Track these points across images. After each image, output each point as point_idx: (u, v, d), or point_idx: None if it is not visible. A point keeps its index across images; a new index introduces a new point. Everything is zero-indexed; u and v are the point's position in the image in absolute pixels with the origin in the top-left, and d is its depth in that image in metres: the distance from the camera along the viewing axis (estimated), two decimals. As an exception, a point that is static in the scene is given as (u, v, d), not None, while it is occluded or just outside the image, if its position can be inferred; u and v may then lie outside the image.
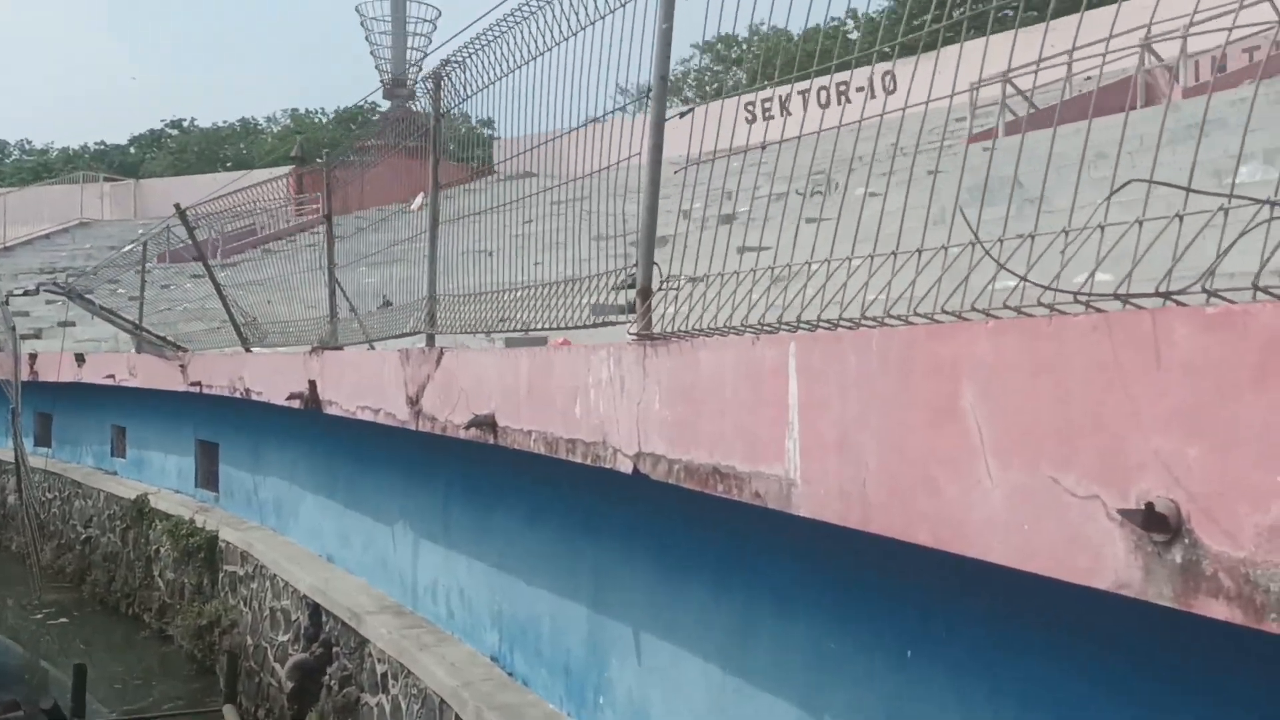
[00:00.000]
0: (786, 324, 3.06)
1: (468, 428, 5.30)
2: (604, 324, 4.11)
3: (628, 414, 3.85)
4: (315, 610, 9.31)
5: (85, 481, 17.03)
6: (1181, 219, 2.04)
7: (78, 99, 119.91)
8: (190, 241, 10.66)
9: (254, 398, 10.43)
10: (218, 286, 10.63)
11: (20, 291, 16.18)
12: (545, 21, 5.31)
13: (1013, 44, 4.83)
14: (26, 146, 77.32)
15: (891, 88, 5.65)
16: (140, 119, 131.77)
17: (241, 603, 11.45)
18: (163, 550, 13.99)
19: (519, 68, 5.53)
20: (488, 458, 6.76)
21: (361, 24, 39.15)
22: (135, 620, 14.61)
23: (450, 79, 6.34)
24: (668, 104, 4.02)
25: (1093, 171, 10.10)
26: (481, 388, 5.35)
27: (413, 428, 6.34)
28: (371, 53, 39.32)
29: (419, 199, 7.01)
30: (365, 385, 7.29)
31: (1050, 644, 3.00)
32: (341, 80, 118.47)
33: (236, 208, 13.68)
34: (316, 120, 68.53)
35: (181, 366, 12.80)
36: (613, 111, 4.96)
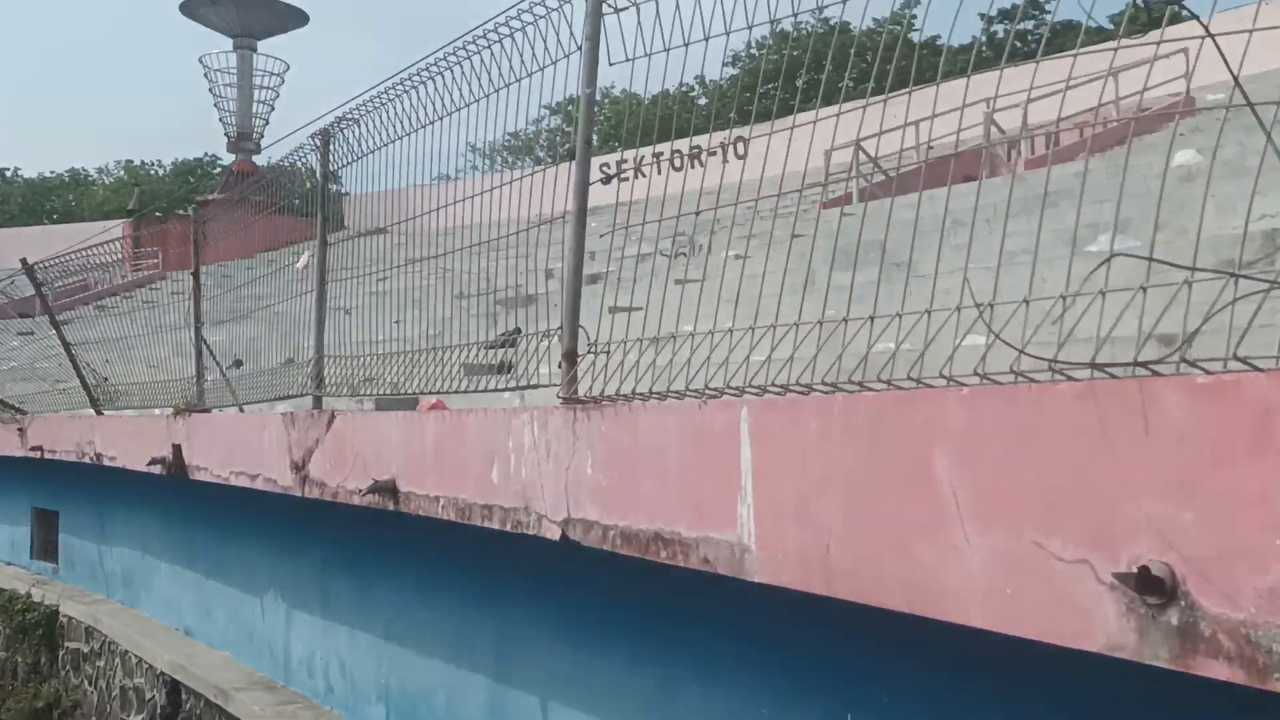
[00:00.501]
0: (733, 389, 3.07)
1: (366, 494, 5.12)
2: (532, 386, 4.04)
3: (555, 479, 3.79)
4: (174, 687, 8.77)
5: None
6: (1145, 290, 2.14)
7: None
8: (37, 295, 10.05)
9: (106, 463, 9.87)
10: (67, 346, 10.06)
11: None
12: (442, 86, 5.29)
13: (863, 113, 5.02)
14: None
15: (742, 153, 5.82)
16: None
17: (86, 682, 10.71)
18: (-9, 628, 13.00)
19: (418, 130, 5.46)
20: (370, 527, 6.56)
21: (205, 75, 38.18)
22: (-42, 705, 13.49)
23: (341, 137, 6.21)
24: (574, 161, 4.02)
25: (952, 238, 10.58)
26: (380, 453, 5.19)
27: (297, 494, 6.09)
28: (216, 105, 38.32)
29: (305, 256, 6.81)
30: (240, 449, 6.98)
31: (1001, 699, 3.07)
32: (177, 131, 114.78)
33: (84, 260, 12.94)
34: (152, 172, 66.16)
35: (20, 430, 12.02)
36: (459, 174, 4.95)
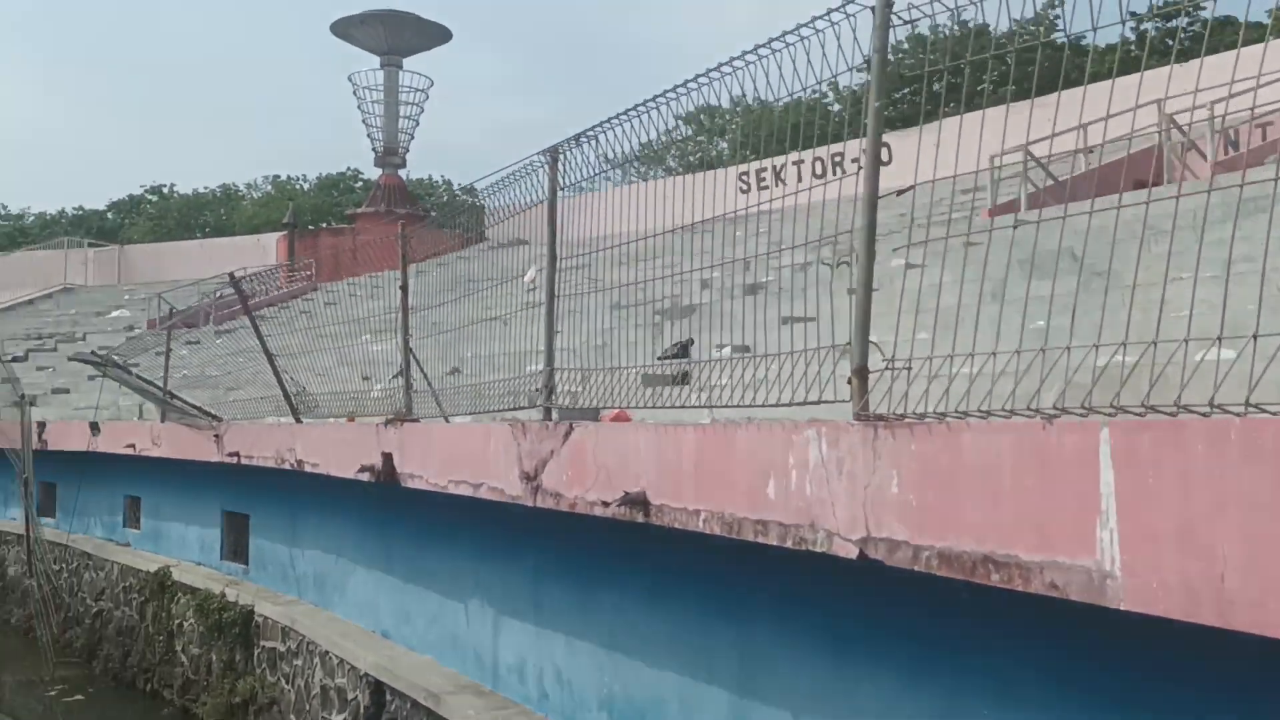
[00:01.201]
0: (1076, 410, 2.99)
1: (617, 506, 5.17)
2: (819, 402, 4.01)
3: (849, 497, 3.76)
4: (377, 689, 9.04)
5: (96, 553, 16.61)
6: None
7: (55, 165, 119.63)
8: (242, 306, 10.46)
9: (307, 470, 10.23)
10: (269, 356, 10.46)
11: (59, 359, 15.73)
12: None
13: (1029, 116, 4.87)
14: (2, 211, 76.81)
15: (887, 160, 5.70)
16: (119, 184, 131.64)
17: (283, 680, 11.12)
18: (186, 625, 13.61)
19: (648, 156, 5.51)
20: (596, 536, 6.64)
21: (354, 93, 39.43)
22: (154, 697, 14.15)
23: (568, 155, 6.31)
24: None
25: (1153, 246, 10.21)
26: (627, 464, 5.23)
27: (528, 504, 6.19)
28: (364, 121, 39.56)
29: (532, 271, 6.93)
30: (461, 459, 7.14)
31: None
32: (321, 146, 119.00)
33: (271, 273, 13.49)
34: (297, 186, 68.55)
35: (216, 436, 12.57)
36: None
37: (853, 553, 3.74)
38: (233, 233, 55.67)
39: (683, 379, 6.05)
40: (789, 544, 4.09)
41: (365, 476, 8.73)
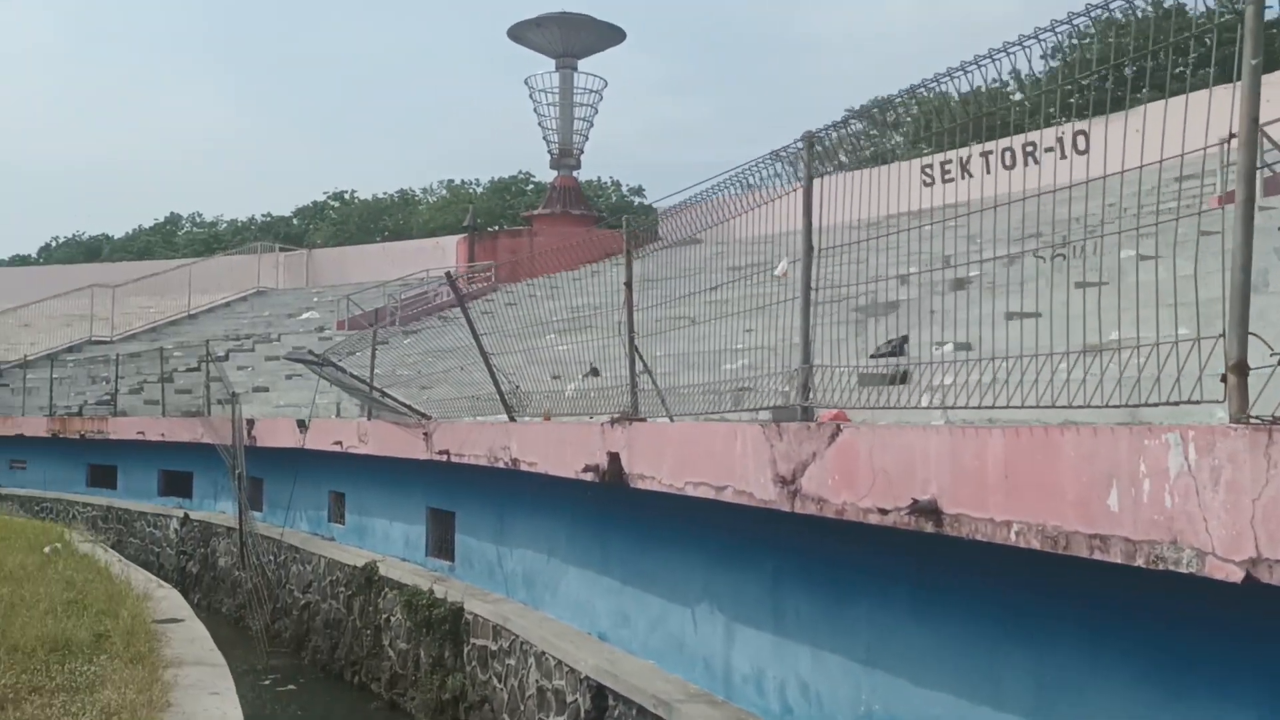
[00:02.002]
0: None
1: (905, 514, 4.78)
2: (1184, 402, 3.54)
3: (1229, 512, 3.28)
4: (599, 693, 8.86)
5: (303, 547, 17.13)
6: None
7: (244, 175, 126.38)
8: (459, 304, 10.45)
9: (523, 468, 10.17)
10: (485, 355, 10.45)
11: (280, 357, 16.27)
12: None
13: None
14: (197, 219, 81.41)
15: (1084, 148, 5.15)
16: (304, 191, 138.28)
17: (495, 679, 11.12)
18: (393, 619, 13.85)
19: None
20: (833, 543, 6.27)
21: (530, 96, 39.97)
22: (362, 690, 14.47)
23: (826, 143, 5.96)
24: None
25: None
26: (912, 469, 4.84)
27: (784, 510, 5.86)
28: (539, 124, 40.07)
29: (783, 264, 6.61)
30: (701, 460, 6.86)
31: None
32: (495, 150, 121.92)
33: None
34: (471, 190, 70.26)
35: (425, 435, 12.71)
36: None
37: (1235, 576, 3.26)
38: (410, 236, 57.40)
39: (901, 379, 5.64)
40: (1139, 562, 3.63)
41: (589, 476, 8.57)
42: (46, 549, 14.23)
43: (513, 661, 10.72)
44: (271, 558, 18.16)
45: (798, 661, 6.88)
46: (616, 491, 8.60)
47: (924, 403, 5.20)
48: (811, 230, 5.96)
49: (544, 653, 9.92)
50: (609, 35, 39.80)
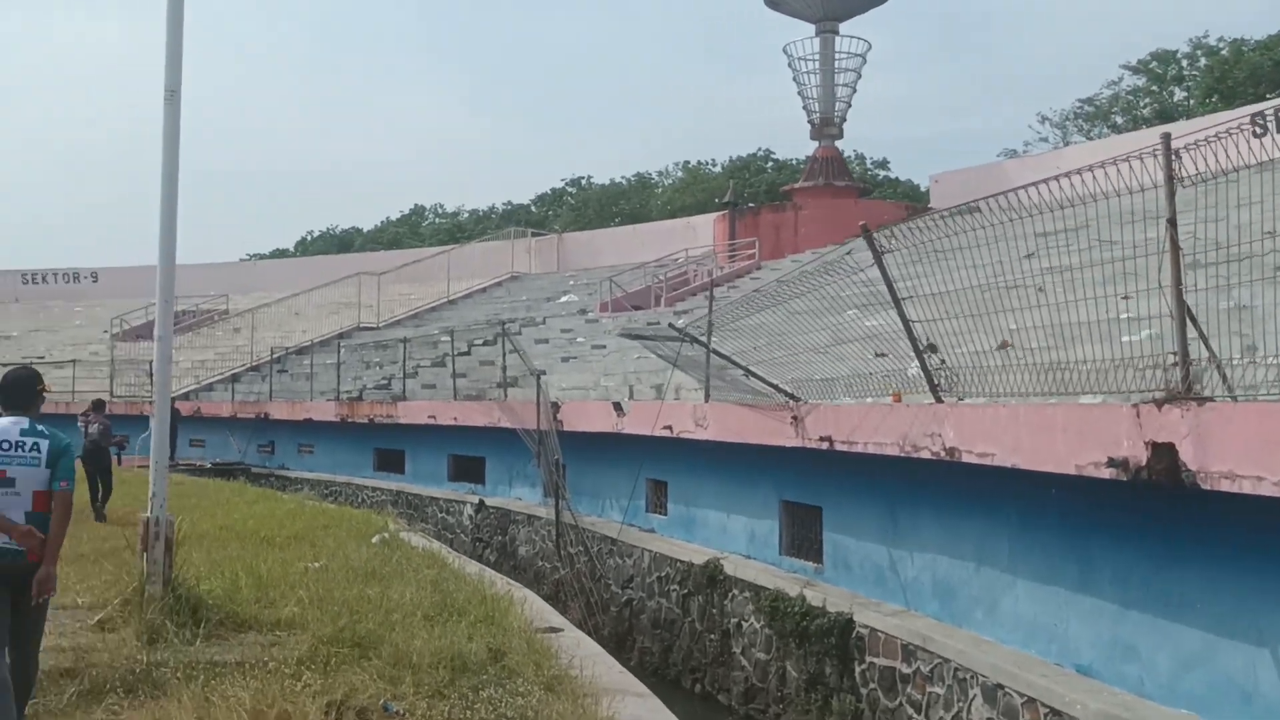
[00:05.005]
0: None
1: None
2: None
3: None
4: (1107, 747, 6.97)
5: (620, 539, 15.92)
6: None
7: (484, 166, 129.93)
8: (880, 270, 8.69)
9: (964, 459, 8.37)
10: (908, 324, 8.69)
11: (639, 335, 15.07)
12: None
13: None
14: (439, 210, 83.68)
15: None
16: (541, 180, 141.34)
17: (910, 708, 9.37)
18: (745, 625, 12.34)
19: None
20: None
21: (789, 64, 38.03)
22: (706, 700, 13.05)
23: None
24: None
25: None
26: None
27: None
28: (799, 93, 38.07)
29: None
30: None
31: None
32: (730, 129, 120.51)
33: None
34: (707, 171, 68.99)
35: (794, 418, 11.09)
36: None
37: None
38: (648, 219, 56.57)
39: None
40: None
41: (1108, 473, 6.67)
42: (374, 539, 13.49)
43: (939, 690, 8.94)
44: (582, 548, 17.07)
45: None
46: (1114, 492, 6.71)
47: None
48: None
49: (1000, 685, 8.08)
50: (874, -6, 37.41)
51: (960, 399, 8.77)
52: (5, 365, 7.16)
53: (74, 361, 36.94)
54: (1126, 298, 9.98)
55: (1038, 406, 7.55)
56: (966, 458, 8.30)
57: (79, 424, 16.59)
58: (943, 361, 8.88)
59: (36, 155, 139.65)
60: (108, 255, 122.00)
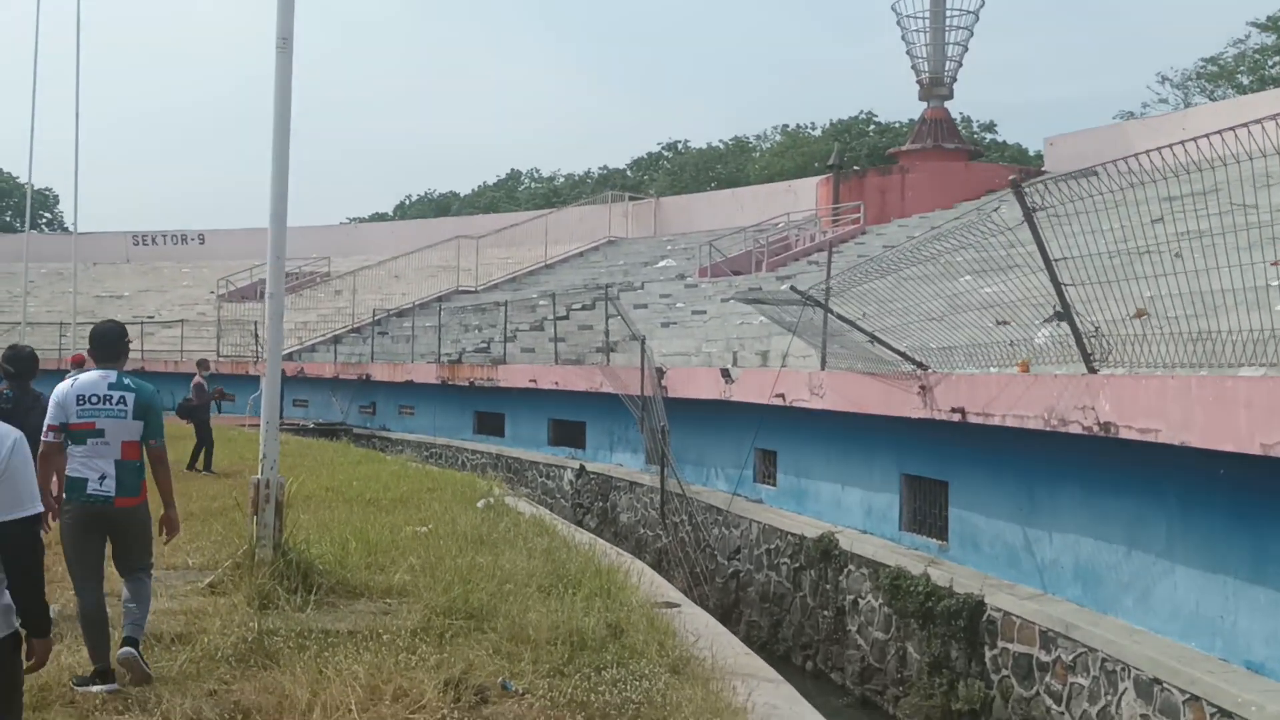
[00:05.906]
0: None
1: None
2: None
3: None
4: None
5: (727, 509, 15.45)
6: None
7: (576, 131, 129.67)
8: (1028, 221, 7.99)
9: (1120, 434, 7.69)
10: (1060, 287, 8.00)
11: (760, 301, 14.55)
12: None
13: None
14: (535, 175, 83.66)
15: None
16: (637, 144, 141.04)
17: (1049, 699, 8.76)
18: (862, 602, 11.81)
19: None
20: None
21: (897, 23, 36.69)
22: (818, 678, 12.54)
23: None
24: None
25: None
26: None
27: None
28: (907, 52, 36.76)
29: None
30: None
31: None
32: (830, 92, 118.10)
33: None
34: (807, 134, 67.59)
35: (922, 388, 10.47)
36: None
37: None
38: (746, 183, 55.62)
39: None
40: None
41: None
42: (480, 503, 13.25)
43: (1083, 681, 8.32)
44: (686, 517, 16.65)
45: None
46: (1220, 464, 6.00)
47: None
48: None
49: (1157, 679, 7.44)
50: (987, -53, 35.79)
51: (1095, 371, 8.08)
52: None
53: (182, 321, 37.70)
54: (1276, 264, 9.17)
55: (1215, 379, 6.85)
56: (1125, 433, 7.63)
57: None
58: (1096, 329, 8.18)
59: (152, 124, 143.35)
60: (211, 220, 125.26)
